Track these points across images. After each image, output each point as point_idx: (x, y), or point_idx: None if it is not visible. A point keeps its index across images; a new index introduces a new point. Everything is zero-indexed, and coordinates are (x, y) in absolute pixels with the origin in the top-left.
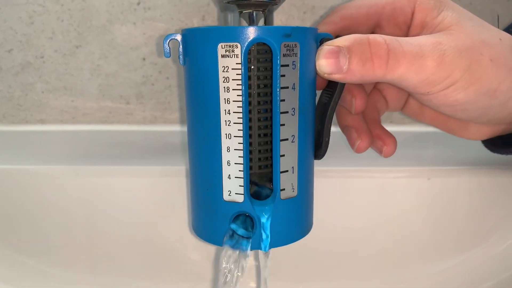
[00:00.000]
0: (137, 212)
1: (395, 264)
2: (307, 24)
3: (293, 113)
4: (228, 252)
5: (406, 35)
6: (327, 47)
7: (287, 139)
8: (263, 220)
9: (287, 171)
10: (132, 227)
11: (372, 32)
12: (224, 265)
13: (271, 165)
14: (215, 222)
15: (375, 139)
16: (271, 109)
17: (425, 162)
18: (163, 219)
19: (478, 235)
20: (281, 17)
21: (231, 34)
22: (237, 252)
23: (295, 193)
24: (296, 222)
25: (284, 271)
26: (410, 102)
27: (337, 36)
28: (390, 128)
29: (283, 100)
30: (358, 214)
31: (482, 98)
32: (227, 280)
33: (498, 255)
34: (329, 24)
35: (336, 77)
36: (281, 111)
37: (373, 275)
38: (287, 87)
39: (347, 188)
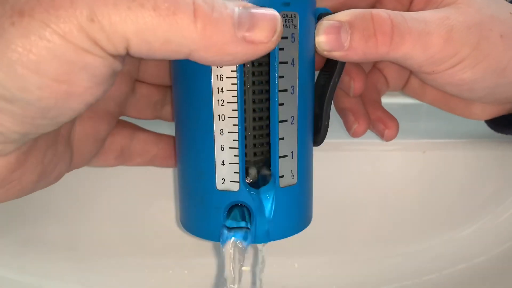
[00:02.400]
0: (121, 189)
1: (387, 239)
2: None
3: (292, 92)
4: (227, 248)
5: (408, 11)
6: (327, 21)
7: (286, 121)
8: (262, 210)
9: (286, 156)
10: (114, 206)
11: (373, 8)
12: (228, 263)
13: (269, 150)
14: (208, 214)
15: (376, 121)
16: (269, 88)
17: (420, 135)
18: (149, 197)
19: (473, 210)
20: None
21: None
22: (236, 246)
23: (295, 181)
24: (296, 212)
25: (275, 246)
26: (412, 81)
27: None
28: (383, 100)
29: (282, 77)
30: (350, 188)
31: (490, 77)
32: (232, 277)
33: (492, 229)
34: None
35: (337, 54)
36: (279, 89)
37: (365, 249)
38: (286, 62)
39: (339, 161)
